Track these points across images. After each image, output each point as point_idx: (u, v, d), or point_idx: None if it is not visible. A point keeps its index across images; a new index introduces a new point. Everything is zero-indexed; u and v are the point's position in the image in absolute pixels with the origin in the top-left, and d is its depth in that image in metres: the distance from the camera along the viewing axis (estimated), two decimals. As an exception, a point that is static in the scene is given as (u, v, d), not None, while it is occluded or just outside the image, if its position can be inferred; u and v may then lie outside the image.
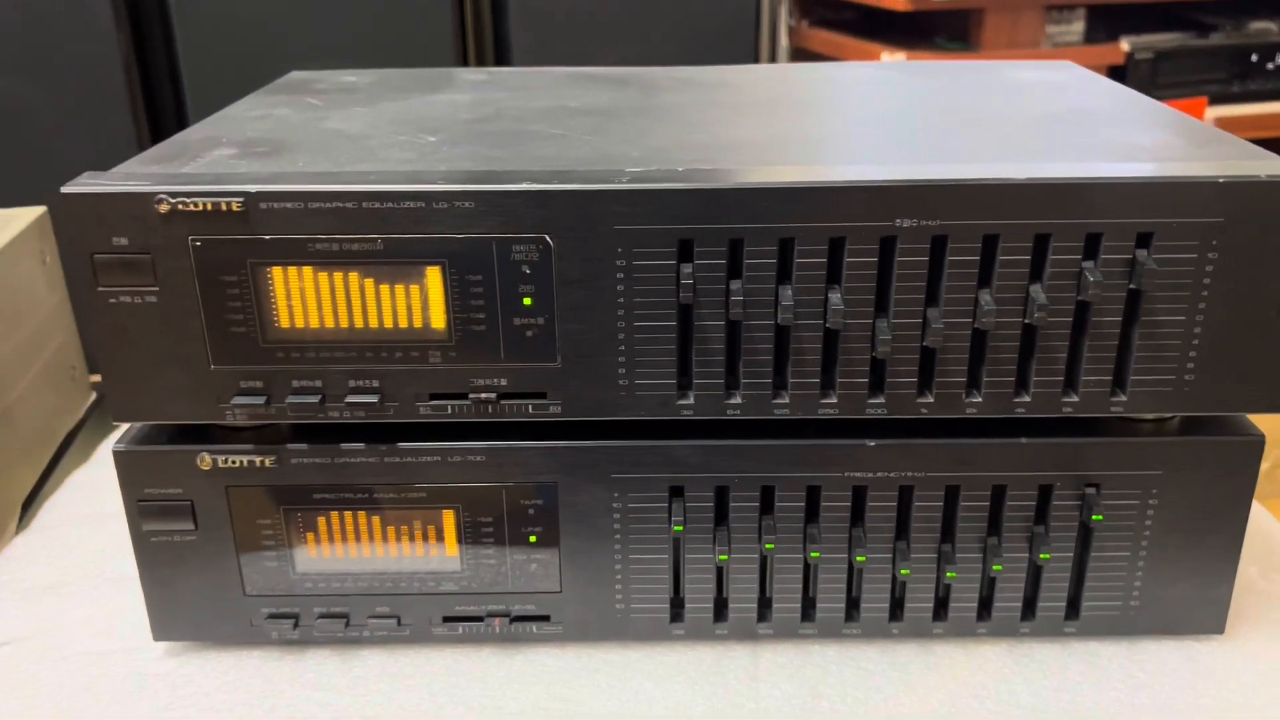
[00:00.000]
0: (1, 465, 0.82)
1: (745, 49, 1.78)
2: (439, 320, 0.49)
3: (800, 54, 2.10)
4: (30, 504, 0.86)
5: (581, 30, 1.68)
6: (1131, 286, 0.48)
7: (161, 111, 1.64)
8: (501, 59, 1.74)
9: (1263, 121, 1.89)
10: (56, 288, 0.95)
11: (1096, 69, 0.68)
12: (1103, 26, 1.88)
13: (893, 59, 1.75)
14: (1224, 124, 1.88)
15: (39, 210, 0.94)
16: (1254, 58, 1.92)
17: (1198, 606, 0.56)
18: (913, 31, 1.89)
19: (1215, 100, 1.90)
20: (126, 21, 1.54)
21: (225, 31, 1.56)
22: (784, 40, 2.10)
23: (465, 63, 1.71)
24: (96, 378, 1.05)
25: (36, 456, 0.89)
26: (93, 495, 0.73)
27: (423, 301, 0.49)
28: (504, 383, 0.50)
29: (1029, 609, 0.56)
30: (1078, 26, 1.88)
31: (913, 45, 1.84)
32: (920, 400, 0.51)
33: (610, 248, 0.48)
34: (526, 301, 0.49)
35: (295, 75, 0.73)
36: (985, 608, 0.56)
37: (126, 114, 1.53)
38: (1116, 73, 1.85)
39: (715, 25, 1.75)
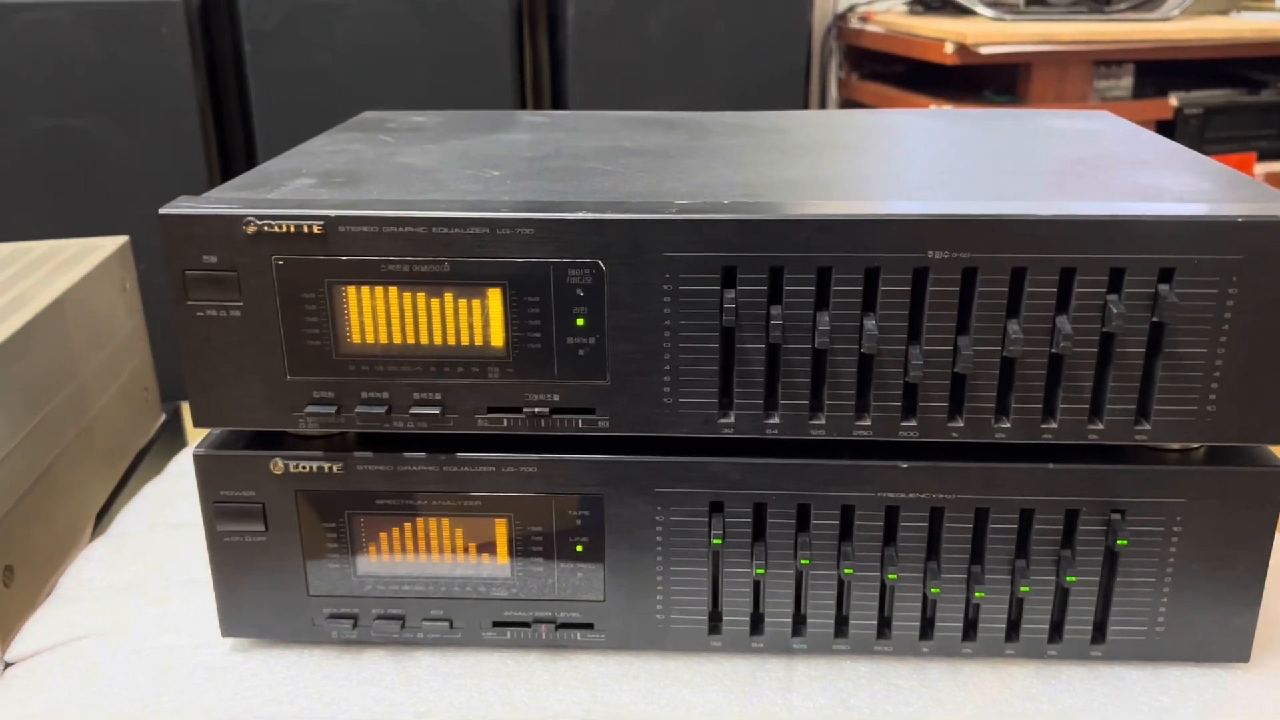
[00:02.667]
0: (79, 477, 0.87)
1: (795, 101, 1.83)
2: (498, 338, 0.53)
3: (849, 106, 2.14)
4: (102, 517, 0.91)
5: (636, 83, 1.74)
6: (1154, 320, 0.51)
7: (233, 151, 1.72)
8: (559, 109, 1.80)
9: (1313, 177, 1.89)
10: (134, 313, 1.01)
11: (1145, 124, 0.70)
12: (1151, 82, 1.90)
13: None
14: (1274, 179, 1.88)
15: (120, 240, 1.00)
16: (1305, 115, 1.93)
17: (1223, 634, 0.57)
18: (961, 85, 1.93)
19: (1265, 156, 1.90)
20: (204, 68, 1.62)
21: (296, 79, 1.64)
22: (834, 92, 2.14)
23: (524, 110, 1.77)
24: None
25: (110, 471, 0.94)
26: (165, 505, 0.77)
27: (484, 320, 0.53)
28: (556, 398, 0.54)
29: (1056, 632, 0.58)
30: (1126, 82, 1.90)
31: (960, 98, 1.87)
32: (951, 424, 0.53)
33: (659, 273, 0.51)
34: (580, 322, 0.52)
35: (367, 115, 0.78)
36: (1013, 629, 0.58)
37: (200, 153, 1.61)
38: (1165, 127, 1.86)
39: (766, 77, 1.79)
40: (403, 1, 1.63)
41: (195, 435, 0.58)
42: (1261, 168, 1.88)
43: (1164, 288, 0.50)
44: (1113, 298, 0.51)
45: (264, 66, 1.63)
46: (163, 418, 1.08)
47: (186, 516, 0.74)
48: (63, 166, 1.57)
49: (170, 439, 1.07)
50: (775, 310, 0.52)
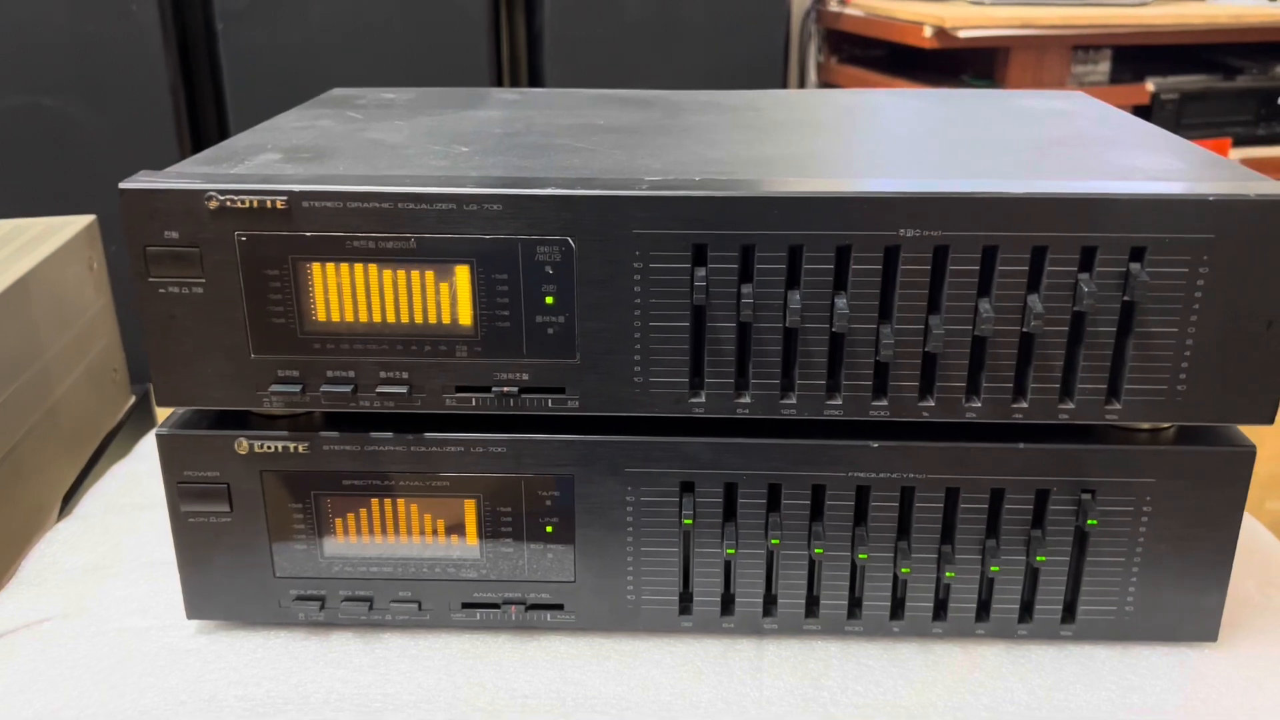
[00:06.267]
0: (44, 458, 0.86)
1: (774, 84, 1.82)
2: (466, 316, 0.52)
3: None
4: (69, 499, 0.90)
5: (614, 64, 1.73)
6: (1125, 299, 0.51)
7: (205, 130, 1.70)
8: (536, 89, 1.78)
9: (1288, 163, 1.90)
10: (102, 293, 0.99)
11: (1121, 109, 0.70)
12: (1128, 68, 1.90)
13: (918, 95, 1.78)
14: (1248, 165, 1.89)
15: (88, 219, 0.98)
16: (1280, 100, 1.94)
17: (1191, 614, 0.57)
18: (939, 69, 1.92)
19: (1240, 142, 1.91)
20: (175, 45, 1.59)
21: (268, 57, 1.62)
22: (812, 76, 2.13)
23: (499, 90, 1.75)
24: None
25: (77, 453, 0.93)
26: (132, 486, 0.76)
27: (451, 298, 0.52)
28: (525, 377, 0.53)
29: (1026, 611, 0.58)
30: (1104, 67, 1.90)
31: (939, 82, 1.87)
32: (922, 404, 0.53)
33: (629, 251, 0.51)
34: (549, 300, 0.52)
35: (337, 91, 0.77)
36: (984, 609, 0.58)
37: (172, 132, 1.59)
38: (1141, 112, 1.87)
39: (745, 60, 1.79)
40: (378, -21, 1.61)
41: (165, 417, 0.58)
42: (1236, 153, 1.89)
43: (1135, 266, 0.50)
44: (1084, 276, 0.50)
45: (236, 44, 1.61)
46: (132, 399, 1.07)
47: (153, 497, 0.73)
48: (32, 144, 1.55)
49: (140, 421, 1.06)
50: (746, 289, 0.51)
